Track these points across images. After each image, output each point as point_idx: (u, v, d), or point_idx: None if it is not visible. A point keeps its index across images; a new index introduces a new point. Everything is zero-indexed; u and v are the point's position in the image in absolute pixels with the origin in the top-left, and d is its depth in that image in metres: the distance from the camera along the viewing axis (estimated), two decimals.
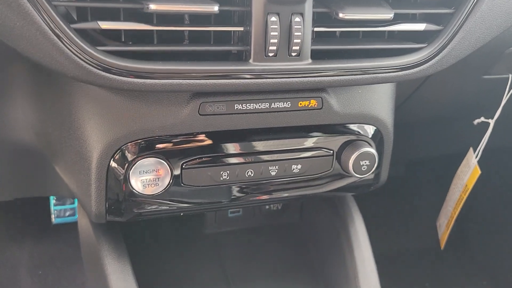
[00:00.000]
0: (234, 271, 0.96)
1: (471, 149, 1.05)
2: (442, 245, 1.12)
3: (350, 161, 0.72)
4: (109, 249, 0.75)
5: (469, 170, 1.06)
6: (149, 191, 0.66)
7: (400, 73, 0.64)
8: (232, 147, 0.68)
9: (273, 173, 0.71)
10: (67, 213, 1.47)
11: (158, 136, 0.64)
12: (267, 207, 1.05)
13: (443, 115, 1.19)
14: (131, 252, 0.84)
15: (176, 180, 0.67)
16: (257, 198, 0.73)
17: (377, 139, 0.76)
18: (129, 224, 1.00)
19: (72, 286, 1.46)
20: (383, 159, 0.78)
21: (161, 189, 0.66)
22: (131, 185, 0.65)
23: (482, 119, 1.03)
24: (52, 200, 1.47)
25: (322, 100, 0.69)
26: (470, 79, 0.97)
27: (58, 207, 1.49)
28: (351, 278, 0.83)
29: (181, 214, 0.73)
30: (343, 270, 0.86)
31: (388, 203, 1.63)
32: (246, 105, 0.66)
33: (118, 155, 0.64)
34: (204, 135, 0.66)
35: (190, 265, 0.96)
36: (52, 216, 1.47)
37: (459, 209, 1.05)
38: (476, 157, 1.07)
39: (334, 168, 0.75)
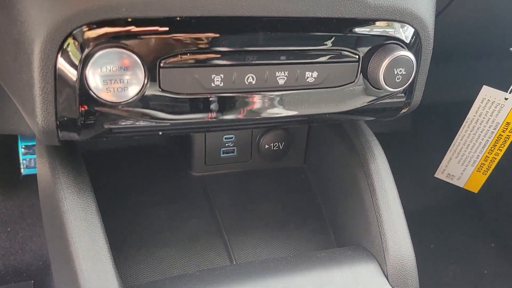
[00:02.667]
0: (228, 219, 0.80)
1: (485, 87, 0.93)
2: (477, 189, 1.02)
3: (381, 68, 0.55)
4: (67, 182, 0.58)
5: (504, 108, 0.92)
6: (115, 96, 0.48)
7: None
8: (227, 42, 0.51)
9: (281, 82, 0.54)
10: None
11: (126, 17, 0.46)
12: (266, 146, 0.88)
13: (467, 48, 1.04)
14: (101, 194, 0.69)
15: (151, 83, 0.50)
16: (258, 115, 0.56)
17: (415, 45, 0.59)
18: (98, 160, 0.84)
19: (44, 244, 1.32)
20: (420, 72, 0.62)
21: (132, 94, 0.49)
22: (89, 86, 0.47)
23: None
24: (21, 149, 1.31)
25: None
26: None
27: (28, 156, 1.33)
28: (372, 224, 0.67)
29: (160, 133, 0.55)
30: (362, 216, 0.70)
31: (392, 161, 1.51)
32: None
33: (69, 43, 0.46)
34: (189, 20, 0.49)
35: (173, 212, 0.80)
36: (21, 166, 1.31)
37: (503, 150, 0.93)
38: (510, 92, 0.93)
39: (359, 80, 0.58)
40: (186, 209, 0.81)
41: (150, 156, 0.90)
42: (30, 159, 1.34)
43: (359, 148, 0.73)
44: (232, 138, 0.86)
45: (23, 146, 1.33)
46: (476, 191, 1.04)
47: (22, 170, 1.33)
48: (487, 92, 0.92)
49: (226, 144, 0.87)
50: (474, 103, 0.95)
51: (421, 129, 1.65)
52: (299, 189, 0.89)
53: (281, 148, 0.90)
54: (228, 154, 0.88)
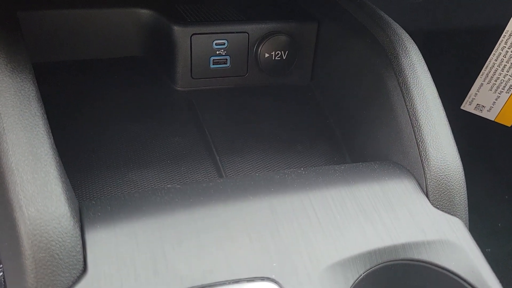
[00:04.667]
0: (219, 138, 0.65)
1: None
2: (511, 122, 0.87)
3: None
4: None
5: None
6: None
7: None
8: None
9: None
10: None
11: None
12: (266, 55, 0.72)
13: None
14: (65, 107, 0.53)
15: None
16: None
17: None
18: (69, 70, 0.69)
19: None
20: None
21: None
22: None
23: None
24: None
25: None
26: None
27: None
28: (404, 131, 0.52)
29: None
30: (390, 125, 0.55)
31: None
32: None
33: None
34: None
35: (152, 129, 0.64)
36: None
37: None
38: None
39: None
40: (167, 126, 0.66)
41: (126, 69, 0.74)
42: None
43: (386, 42, 0.58)
44: (224, 44, 0.70)
45: None
46: (509, 125, 0.90)
47: None
48: None
49: (217, 52, 0.71)
50: None
51: (435, 68, 1.50)
52: (306, 108, 0.73)
53: (284, 58, 0.74)
54: (219, 65, 0.72)
